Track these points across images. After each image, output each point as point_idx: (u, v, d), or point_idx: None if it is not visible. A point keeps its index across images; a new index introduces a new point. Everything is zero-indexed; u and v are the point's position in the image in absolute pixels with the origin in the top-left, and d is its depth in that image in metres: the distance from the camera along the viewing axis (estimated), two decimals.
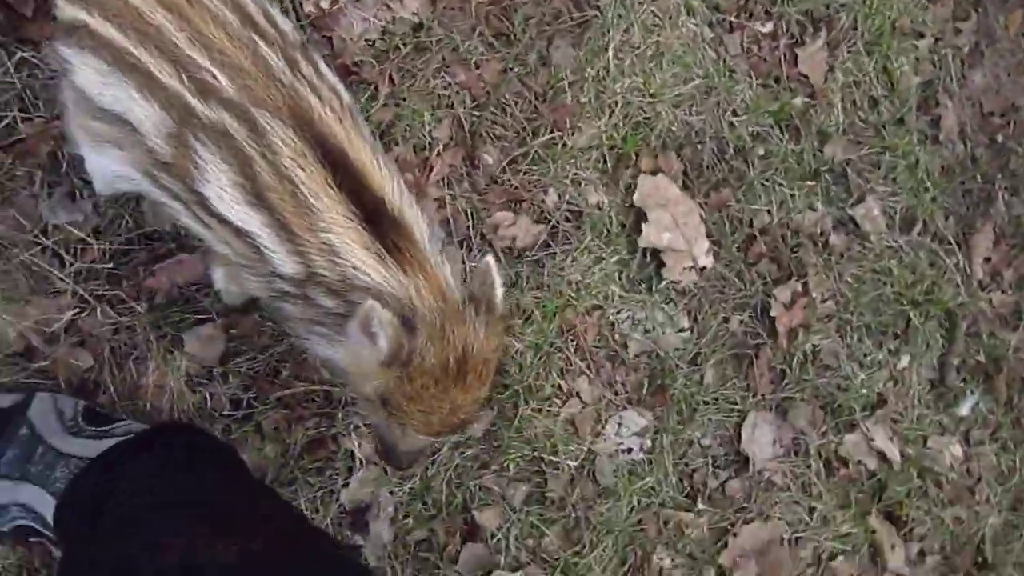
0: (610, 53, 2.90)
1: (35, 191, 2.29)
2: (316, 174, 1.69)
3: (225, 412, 2.37)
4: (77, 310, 2.28)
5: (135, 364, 2.31)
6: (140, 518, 1.73)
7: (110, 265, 2.32)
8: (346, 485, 2.46)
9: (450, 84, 2.72)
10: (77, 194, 2.32)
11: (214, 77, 1.69)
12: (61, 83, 1.94)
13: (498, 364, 1.85)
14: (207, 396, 2.36)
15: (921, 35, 3.44)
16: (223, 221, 1.76)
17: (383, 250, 1.70)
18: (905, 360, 3.33)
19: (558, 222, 2.79)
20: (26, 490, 2.04)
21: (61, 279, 2.28)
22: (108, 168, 1.94)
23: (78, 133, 1.96)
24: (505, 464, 2.65)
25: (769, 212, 3.09)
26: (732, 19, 3.13)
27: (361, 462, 2.47)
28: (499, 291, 1.74)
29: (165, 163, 1.76)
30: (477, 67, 2.77)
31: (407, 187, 1.85)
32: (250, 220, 1.72)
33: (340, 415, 2.47)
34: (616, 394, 2.83)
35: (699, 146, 3.02)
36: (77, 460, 2.02)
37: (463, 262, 2.62)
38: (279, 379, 2.43)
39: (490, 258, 1.75)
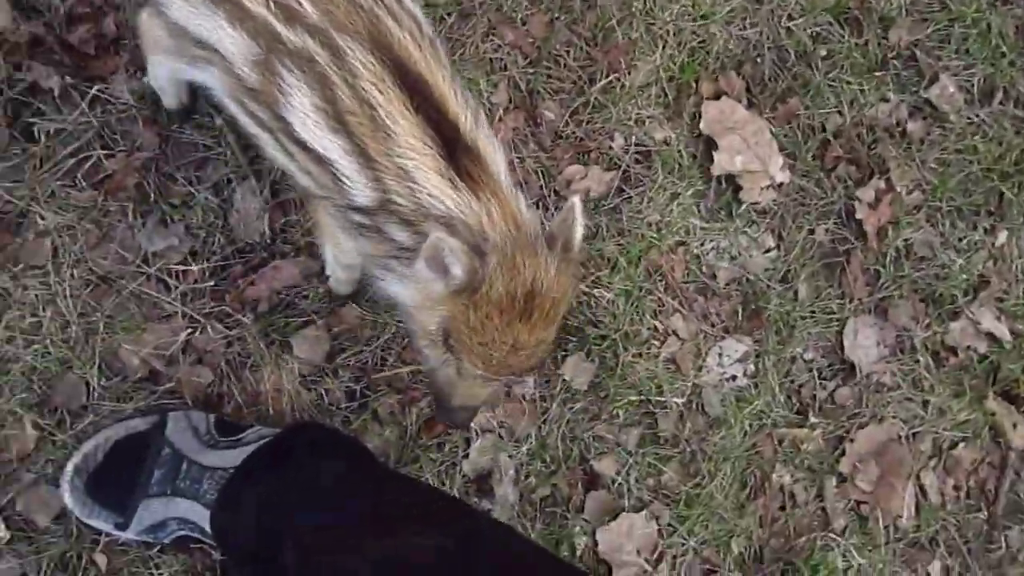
0: None
1: (130, 222, 2.40)
2: (394, 98, 1.74)
3: (341, 405, 2.48)
4: (189, 330, 2.40)
5: (251, 372, 2.43)
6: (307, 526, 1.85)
7: (211, 283, 2.43)
8: (466, 456, 2.56)
9: (500, 46, 2.71)
10: (168, 220, 2.42)
11: (299, 3, 1.75)
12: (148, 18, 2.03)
13: (567, 310, 1.81)
14: (322, 392, 2.47)
15: None
16: (306, 148, 1.83)
17: (456, 176, 1.71)
18: (1003, 236, 3.22)
19: (628, 165, 2.78)
20: (179, 504, 2.20)
21: (169, 303, 2.40)
22: (203, 78, 2.02)
23: (158, 48, 2.05)
24: (614, 412, 2.70)
25: (840, 113, 3.01)
26: None
27: (476, 432, 2.56)
28: (579, 231, 1.73)
29: (252, 89, 1.84)
30: (523, 23, 2.74)
31: (485, 117, 1.88)
32: (331, 147, 1.78)
33: None
34: (712, 326, 2.84)
35: (758, 60, 2.94)
36: (220, 471, 2.16)
37: (541, 223, 2.64)
38: (386, 366, 2.52)
39: (576, 198, 1.72)
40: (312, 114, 1.77)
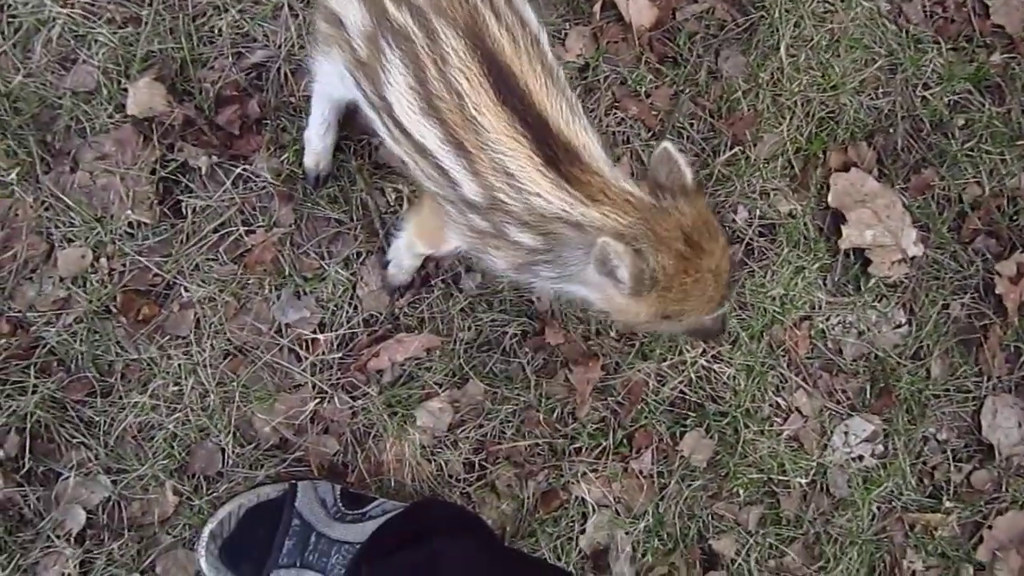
0: (782, 52, 2.79)
1: (265, 295, 2.51)
2: (480, 88, 1.77)
3: (460, 477, 2.52)
4: (317, 400, 2.49)
5: (375, 443, 2.50)
6: None
7: (339, 355, 2.51)
8: (583, 531, 2.55)
9: (623, 119, 2.72)
10: (301, 292, 2.52)
11: None
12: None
13: (714, 214, 1.88)
14: (442, 464, 2.51)
15: None
16: (406, 132, 1.88)
17: (561, 178, 1.75)
18: None
19: (752, 238, 2.73)
20: None
21: (300, 373, 2.49)
22: (332, 72, 2.08)
23: (315, 44, 2.12)
24: (734, 490, 2.65)
25: (979, 183, 2.88)
26: None
27: (593, 508, 2.55)
28: (686, 171, 1.75)
29: (361, 62, 1.90)
30: (647, 96, 2.74)
31: (581, 108, 1.89)
32: (427, 132, 1.82)
33: (566, 465, 2.56)
34: (838, 403, 2.75)
35: (891, 130, 2.85)
36: (348, 545, 2.22)
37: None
38: (505, 439, 2.54)
39: (667, 143, 1.76)
40: (406, 94, 1.81)
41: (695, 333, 2.09)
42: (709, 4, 2.79)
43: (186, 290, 2.46)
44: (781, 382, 2.72)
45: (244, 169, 2.51)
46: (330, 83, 2.21)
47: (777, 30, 2.80)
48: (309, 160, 2.48)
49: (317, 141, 2.43)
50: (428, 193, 2.07)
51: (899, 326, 2.81)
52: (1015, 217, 2.88)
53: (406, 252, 2.44)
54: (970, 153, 2.87)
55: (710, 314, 1.87)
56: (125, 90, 2.46)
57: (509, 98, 1.78)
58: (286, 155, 2.54)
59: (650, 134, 2.73)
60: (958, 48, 2.92)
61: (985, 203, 2.87)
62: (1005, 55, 2.93)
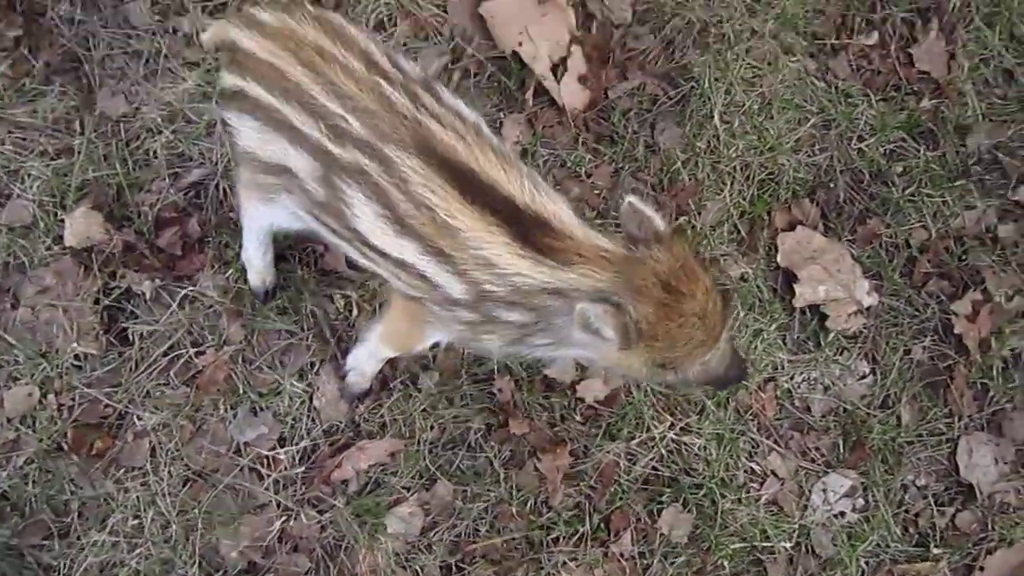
0: (716, 119, 2.83)
1: (221, 415, 2.46)
2: (447, 195, 1.85)
3: None
4: (284, 518, 2.42)
5: (347, 555, 2.43)
6: None
7: (301, 469, 2.46)
8: None
9: (567, 200, 2.72)
10: (257, 409, 2.48)
11: (346, 121, 1.88)
12: (233, 147, 2.10)
13: (694, 252, 1.92)
14: (418, 570, 2.45)
15: None
16: (383, 254, 1.95)
17: (537, 252, 1.82)
18: None
19: None
20: None
21: (263, 492, 2.43)
22: (276, 214, 2.15)
23: (249, 191, 2.16)
24: (719, 562, 2.59)
25: (924, 227, 2.91)
26: (833, 42, 2.99)
27: None
28: (655, 218, 1.80)
29: (321, 203, 1.96)
30: (588, 176, 2.76)
31: (540, 175, 1.95)
32: (404, 248, 1.91)
33: (545, 556, 2.50)
34: (813, 461, 2.72)
35: (831, 184, 2.88)
36: None
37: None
38: (480, 537, 2.48)
39: (630, 197, 1.82)
40: (377, 222, 1.89)
41: (713, 382, 2.07)
42: (640, 80, 2.83)
43: (139, 419, 2.40)
44: (753, 447, 2.70)
45: (190, 289, 2.49)
46: (268, 221, 2.24)
47: (709, 99, 2.84)
48: (254, 278, 2.47)
49: (258, 260, 2.42)
50: (399, 298, 2.11)
51: (863, 377, 2.80)
52: (963, 257, 2.91)
53: (369, 360, 2.42)
54: (912, 199, 2.90)
55: (704, 357, 1.88)
56: (62, 221, 2.44)
57: (476, 196, 1.85)
58: (231, 271, 2.51)
59: (595, 214, 2.74)
60: (887, 98, 2.97)
61: (933, 246, 2.89)
62: (934, 100, 2.99)
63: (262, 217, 2.25)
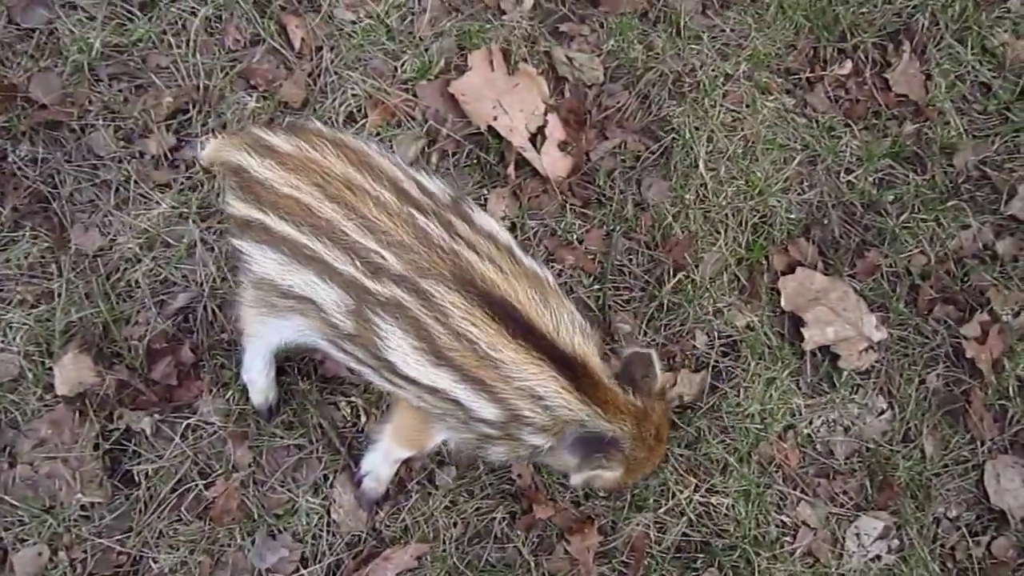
0: (701, 168, 2.79)
1: (239, 544, 2.38)
2: (489, 329, 1.88)
3: None
4: None
5: None
6: None
7: None
8: None
9: (562, 271, 2.68)
10: (275, 532, 2.40)
11: (382, 257, 1.87)
12: (245, 272, 2.04)
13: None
14: None
15: None
16: (413, 382, 1.95)
17: (576, 388, 1.92)
18: None
19: (716, 360, 2.68)
20: None
21: None
22: (291, 332, 2.11)
23: (257, 309, 2.10)
24: None
25: (923, 252, 2.87)
26: (808, 75, 2.95)
27: None
28: (659, 378, 2.03)
29: (349, 335, 1.95)
30: (580, 242, 2.71)
31: (577, 312, 2.03)
32: (439, 379, 1.92)
33: None
34: (842, 506, 2.67)
35: (825, 220, 2.84)
36: None
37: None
38: None
39: (653, 352, 2.01)
40: (412, 354, 1.89)
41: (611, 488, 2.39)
42: (620, 138, 2.78)
43: (155, 561, 2.33)
44: (781, 499, 2.65)
45: (190, 419, 2.41)
46: (277, 338, 2.18)
47: (691, 148, 2.80)
48: (257, 398, 2.40)
49: (261, 380, 2.35)
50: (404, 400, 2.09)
51: (882, 413, 2.76)
52: (965, 278, 2.87)
53: (384, 462, 2.37)
54: (907, 225, 2.87)
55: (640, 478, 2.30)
56: (51, 370, 2.36)
57: (518, 331, 1.88)
58: (230, 392, 2.44)
59: (592, 279, 2.69)
60: (869, 126, 2.94)
61: (933, 271, 2.86)
62: (915, 123, 2.96)
63: (271, 334, 2.17)
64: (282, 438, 2.45)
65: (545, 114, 2.71)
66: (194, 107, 2.59)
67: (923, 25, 3.03)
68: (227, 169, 1.98)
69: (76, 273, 2.43)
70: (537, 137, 2.73)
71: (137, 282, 2.46)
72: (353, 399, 2.49)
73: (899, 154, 2.91)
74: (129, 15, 2.63)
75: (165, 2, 2.64)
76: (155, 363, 2.41)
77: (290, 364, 2.49)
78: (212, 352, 2.46)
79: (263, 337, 2.23)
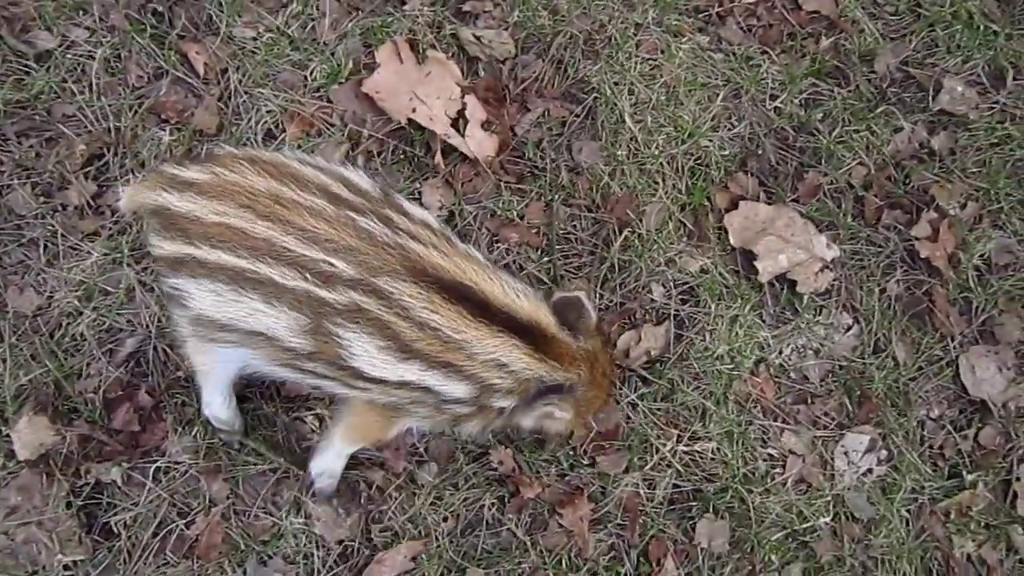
0: (628, 122, 2.77)
1: None
2: (450, 313, 1.90)
3: None
4: None
5: None
6: None
7: None
8: None
9: (508, 248, 2.66)
10: (264, 557, 2.37)
11: (331, 265, 1.86)
12: (182, 311, 2.01)
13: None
14: None
15: None
16: (382, 382, 1.96)
17: (535, 350, 1.97)
18: None
19: (677, 309, 2.67)
20: None
21: None
22: (237, 362, 2.12)
23: (202, 344, 2.09)
24: (766, 559, 2.54)
25: (862, 163, 2.88)
26: (717, 10, 2.94)
27: None
28: (592, 316, 2.09)
29: (307, 354, 1.94)
30: (522, 218, 2.69)
31: (520, 281, 2.09)
32: (408, 372, 1.93)
33: None
34: (826, 428, 2.67)
35: (759, 151, 2.84)
36: None
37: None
38: None
39: (579, 293, 2.09)
40: (378, 355, 1.89)
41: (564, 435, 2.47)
42: (542, 107, 2.77)
43: None
44: (764, 433, 2.64)
45: (160, 462, 2.38)
46: (229, 369, 2.18)
47: (615, 105, 2.78)
48: (223, 430, 2.37)
49: (223, 413, 2.33)
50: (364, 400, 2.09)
51: (848, 329, 2.76)
52: (907, 181, 2.88)
53: (336, 460, 2.36)
54: (841, 140, 2.87)
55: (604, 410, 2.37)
56: (8, 437, 2.32)
57: (476, 310, 1.91)
58: (196, 428, 2.41)
59: (539, 252, 2.67)
60: (787, 49, 2.94)
61: (875, 180, 2.86)
62: (832, 37, 2.96)
63: (221, 367, 2.17)
64: (256, 464, 2.41)
65: (463, 97, 2.69)
66: (109, 151, 2.55)
67: None
68: (147, 212, 1.95)
69: (18, 336, 2.39)
70: (459, 121, 2.70)
71: (82, 335, 2.42)
72: (318, 412, 2.46)
73: (820, 71, 2.91)
74: (25, 69, 2.58)
75: (60, 50, 2.59)
76: (114, 412, 2.38)
77: (249, 390, 2.46)
78: (171, 391, 2.42)
79: (214, 372, 2.21)
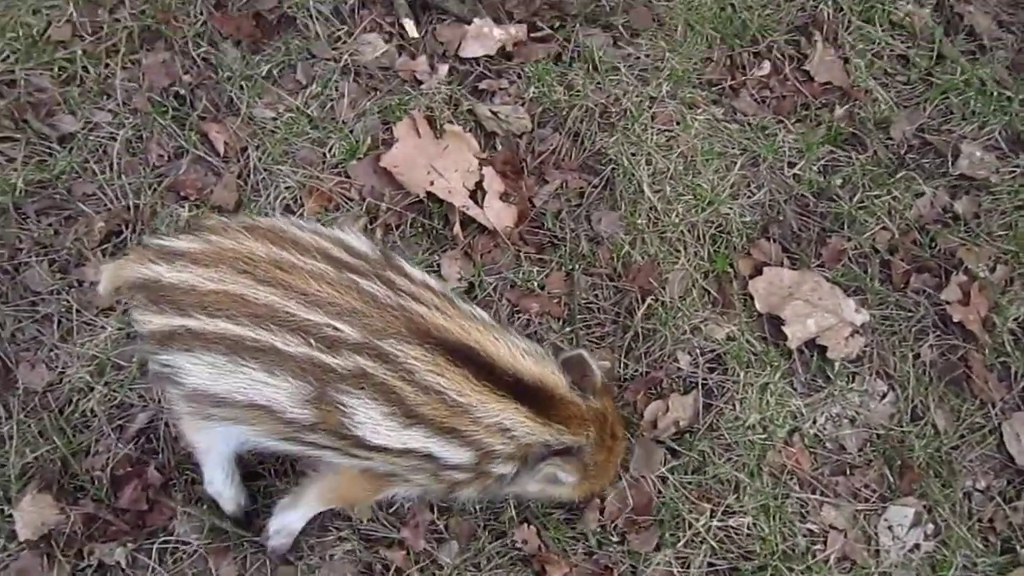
0: (647, 192, 2.76)
1: None
2: (454, 376, 1.83)
3: None
4: None
5: None
6: None
7: None
8: None
9: (529, 319, 2.60)
10: None
11: (335, 329, 1.79)
12: (176, 387, 1.91)
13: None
14: None
15: None
16: (384, 450, 1.86)
17: (538, 414, 1.90)
18: None
19: (705, 378, 2.58)
20: None
21: None
22: (236, 437, 2.04)
23: (197, 422, 2.01)
24: None
25: (885, 228, 2.83)
26: (730, 83, 2.97)
27: None
28: (599, 375, 2.04)
29: (308, 426, 1.85)
30: (542, 288, 2.64)
31: (524, 338, 2.02)
32: (411, 439, 1.84)
33: None
34: (867, 501, 2.53)
35: (781, 217, 2.81)
36: None
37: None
38: None
39: (581, 350, 2.03)
40: (383, 422, 1.82)
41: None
42: (560, 179, 2.76)
43: None
44: (802, 507, 2.51)
45: (167, 542, 2.27)
46: (228, 447, 2.12)
47: (633, 175, 2.78)
48: (229, 507, 2.28)
49: (227, 490, 2.24)
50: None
51: (884, 396, 2.66)
52: (933, 244, 2.83)
53: (302, 519, 2.26)
54: (862, 205, 2.84)
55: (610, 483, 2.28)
56: (10, 517, 2.23)
57: (480, 371, 1.85)
58: (205, 505, 2.31)
59: (561, 322, 2.61)
60: (801, 119, 2.95)
61: (900, 244, 2.81)
62: (845, 106, 2.97)
63: (219, 443, 2.10)
64: (265, 545, 2.30)
65: (480, 168, 2.69)
66: (127, 227, 2.55)
67: (828, 14, 3.08)
68: (132, 288, 1.88)
69: (27, 412, 2.33)
70: (477, 192, 2.70)
71: (92, 411, 2.36)
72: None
73: (836, 138, 2.91)
74: (48, 151, 2.62)
75: (83, 132, 2.63)
76: (121, 490, 2.29)
77: (262, 467, 2.37)
78: (181, 468, 2.34)
79: (213, 448, 2.15)
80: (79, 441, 2.33)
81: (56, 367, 2.40)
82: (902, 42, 3.10)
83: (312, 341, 1.77)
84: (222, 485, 2.22)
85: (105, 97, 2.69)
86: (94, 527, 2.26)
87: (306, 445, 1.93)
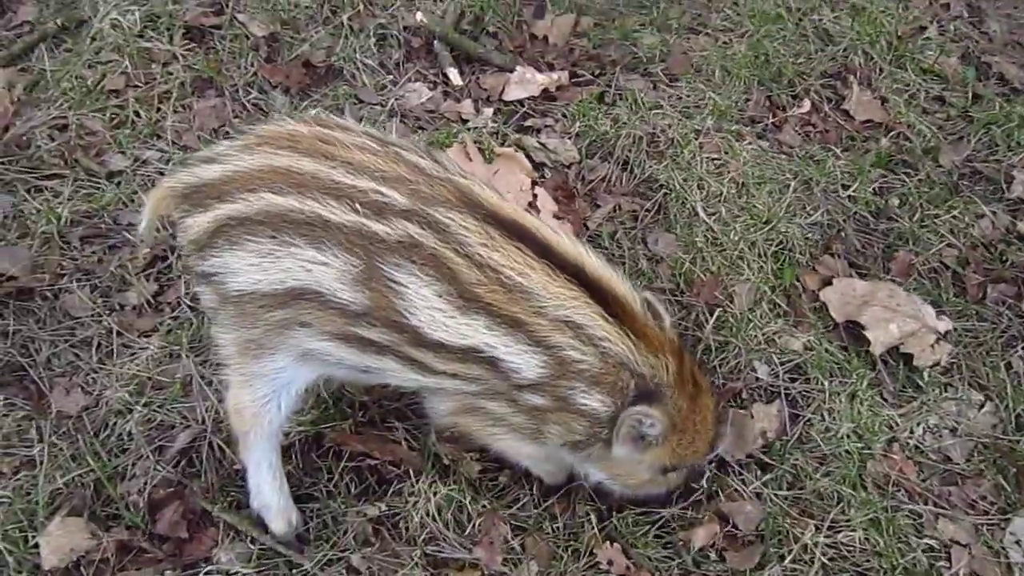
0: (701, 214, 2.70)
1: None
2: (512, 252, 1.65)
3: None
4: None
5: None
6: None
7: None
8: None
9: None
10: None
11: (382, 194, 1.65)
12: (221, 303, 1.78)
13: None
14: None
15: (923, 27, 3.34)
16: (444, 347, 1.66)
17: (611, 315, 1.70)
18: None
19: (787, 388, 2.40)
20: None
21: None
22: (290, 358, 1.82)
23: (246, 367, 1.84)
24: None
25: (950, 245, 2.74)
26: (771, 121, 2.99)
27: None
28: (667, 319, 1.84)
29: (362, 313, 1.67)
30: None
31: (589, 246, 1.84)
32: (471, 330, 1.64)
33: None
34: (986, 513, 2.26)
35: (843, 235, 2.73)
36: None
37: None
38: None
39: (647, 293, 1.84)
40: (438, 303, 1.65)
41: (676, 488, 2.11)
42: (613, 203, 2.71)
43: None
44: (916, 520, 2.24)
45: (209, 572, 2.00)
46: (287, 397, 1.91)
47: (686, 199, 2.73)
48: (277, 524, 2.02)
49: (275, 499, 2.02)
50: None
51: (982, 406, 2.45)
52: (1004, 257, 2.72)
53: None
54: (923, 223, 2.77)
55: (707, 454, 1.94)
56: (35, 547, 1.97)
57: (539, 251, 1.68)
58: (252, 528, 2.05)
59: None
60: (849, 148, 2.94)
61: (969, 256, 2.71)
62: (890, 139, 2.97)
63: (269, 389, 1.89)
64: (320, 573, 2.02)
65: (533, 187, 2.65)
66: (173, 252, 2.46)
67: (859, 63, 3.15)
68: (176, 201, 1.78)
69: (59, 435, 2.13)
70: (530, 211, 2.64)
71: (130, 433, 2.16)
72: (380, 505, 2.11)
73: (887, 162, 2.88)
74: (96, 186, 2.58)
75: (132, 168, 2.61)
76: (159, 515, 2.05)
77: (316, 488, 2.14)
78: (225, 491, 2.10)
79: (265, 419, 1.93)
80: (115, 465, 2.12)
81: (93, 391, 2.23)
82: (934, 84, 3.16)
83: (359, 207, 1.66)
84: (270, 495, 1.99)
85: (155, 138, 2.68)
86: (127, 556, 2.00)
87: (366, 349, 1.73)
